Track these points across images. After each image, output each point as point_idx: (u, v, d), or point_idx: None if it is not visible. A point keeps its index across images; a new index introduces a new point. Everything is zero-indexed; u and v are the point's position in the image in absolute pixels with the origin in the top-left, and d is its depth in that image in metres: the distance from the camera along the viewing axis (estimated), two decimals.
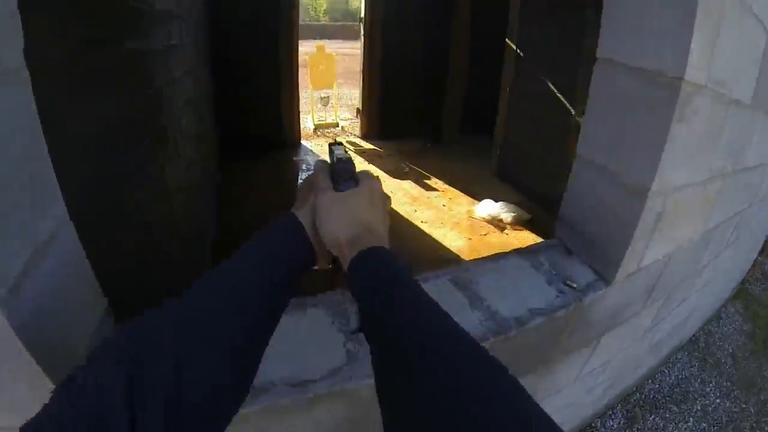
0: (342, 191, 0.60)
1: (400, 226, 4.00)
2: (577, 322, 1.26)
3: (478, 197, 4.52)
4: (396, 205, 4.38)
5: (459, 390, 0.35)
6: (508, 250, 1.34)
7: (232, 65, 5.15)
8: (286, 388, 0.84)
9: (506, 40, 4.83)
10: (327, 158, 0.70)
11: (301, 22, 6.54)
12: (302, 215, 0.59)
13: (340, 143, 0.71)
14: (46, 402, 0.35)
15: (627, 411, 2.49)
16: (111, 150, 1.31)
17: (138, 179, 1.56)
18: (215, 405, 0.43)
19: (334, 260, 0.62)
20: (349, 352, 0.92)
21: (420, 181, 5.12)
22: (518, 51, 4.70)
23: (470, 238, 3.87)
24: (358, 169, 0.65)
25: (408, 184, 4.99)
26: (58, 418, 0.34)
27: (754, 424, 2.49)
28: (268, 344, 0.52)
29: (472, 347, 0.41)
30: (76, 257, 0.71)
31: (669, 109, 1.03)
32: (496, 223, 4.09)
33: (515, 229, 4.01)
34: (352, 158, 0.65)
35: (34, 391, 0.57)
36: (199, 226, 2.82)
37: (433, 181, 5.12)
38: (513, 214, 4.03)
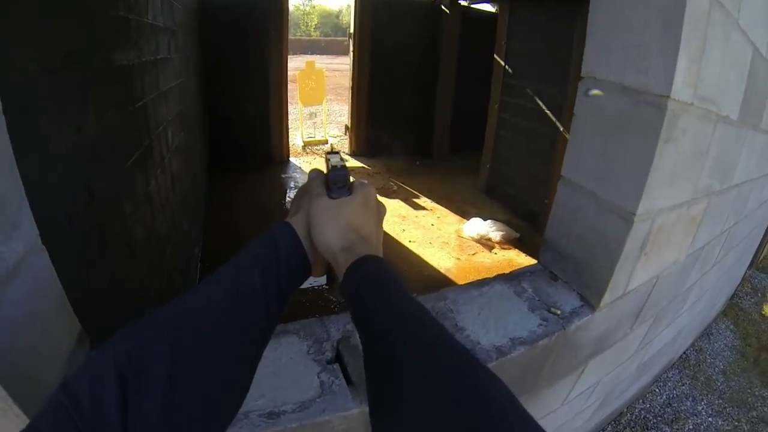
0: (336, 198, 0.60)
1: (388, 245, 3.93)
2: (562, 349, 1.22)
3: (467, 215, 4.52)
4: (384, 224, 4.32)
5: (456, 398, 0.35)
6: (490, 276, 1.30)
7: (221, 80, 5.15)
8: (260, 420, 0.80)
9: (494, 56, 4.86)
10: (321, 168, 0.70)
11: (291, 37, 6.56)
12: (296, 223, 0.58)
13: (337, 152, 0.70)
14: (41, 410, 0.35)
15: None
16: (94, 165, 1.28)
17: (122, 195, 1.52)
18: (209, 419, 0.43)
19: (329, 269, 0.62)
20: (323, 384, 0.89)
21: (409, 199, 5.11)
22: (506, 67, 4.74)
23: (459, 258, 3.84)
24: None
25: (396, 203, 4.98)
26: (53, 428, 0.34)
27: None
28: (262, 356, 0.52)
29: (465, 356, 0.41)
30: (47, 283, 0.67)
31: (655, 129, 1.00)
32: (485, 242, 4.07)
33: (504, 248, 3.99)
34: (347, 167, 0.64)
35: (7, 421, 0.54)
36: (184, 242, 2.76)
37: (422, 200, 5.11)
38: (501, 233, 4.02)
